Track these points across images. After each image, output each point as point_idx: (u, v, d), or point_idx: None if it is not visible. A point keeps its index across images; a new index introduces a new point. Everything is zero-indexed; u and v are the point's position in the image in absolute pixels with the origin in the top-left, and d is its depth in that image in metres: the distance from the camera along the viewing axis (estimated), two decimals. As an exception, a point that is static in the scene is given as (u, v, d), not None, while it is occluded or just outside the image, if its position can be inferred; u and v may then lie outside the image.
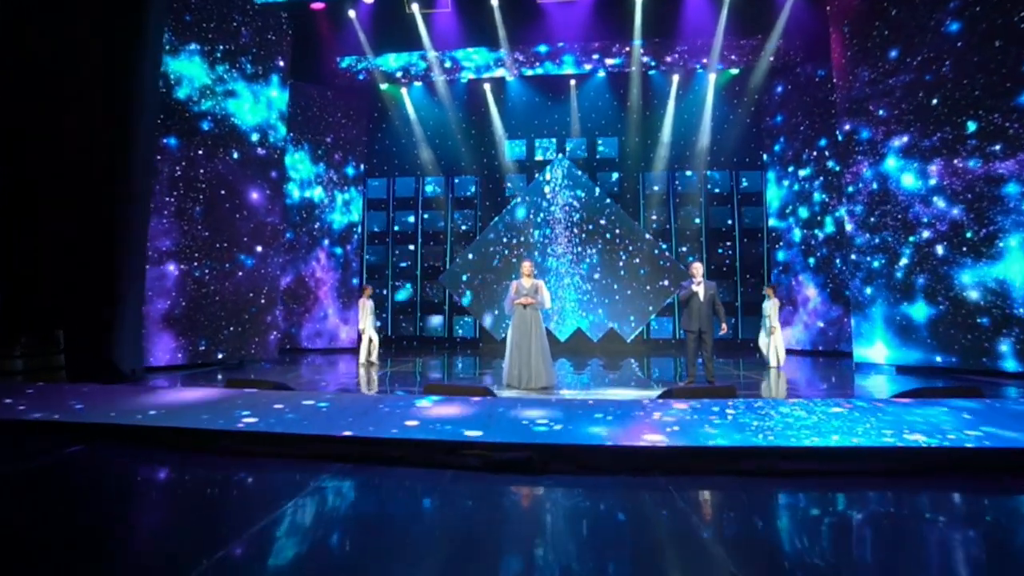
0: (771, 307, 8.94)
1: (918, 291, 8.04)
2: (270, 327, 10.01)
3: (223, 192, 9.05)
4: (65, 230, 6.85)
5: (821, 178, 11.22)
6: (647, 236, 13.06)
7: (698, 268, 6.59)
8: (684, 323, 6.58)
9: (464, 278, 13.43)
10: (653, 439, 3.05)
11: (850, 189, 9.03)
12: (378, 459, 3.12)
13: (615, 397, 5.84)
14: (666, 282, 12.86)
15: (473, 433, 3.21)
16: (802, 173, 11.65)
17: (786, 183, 12.08)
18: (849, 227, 9.08)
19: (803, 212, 11.66)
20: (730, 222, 13.19)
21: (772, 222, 12.53)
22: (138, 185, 7.44)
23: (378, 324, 10.07)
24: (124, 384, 6.18)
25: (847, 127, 9.03)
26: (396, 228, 13.98)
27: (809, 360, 10.60)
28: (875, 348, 8.59)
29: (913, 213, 8.16)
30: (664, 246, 13.10)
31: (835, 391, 6.78)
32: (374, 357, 9.80)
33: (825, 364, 9.89)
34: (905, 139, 8.26)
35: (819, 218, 11.26)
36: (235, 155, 9.25)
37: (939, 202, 7.85)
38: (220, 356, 9.05)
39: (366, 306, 9.73)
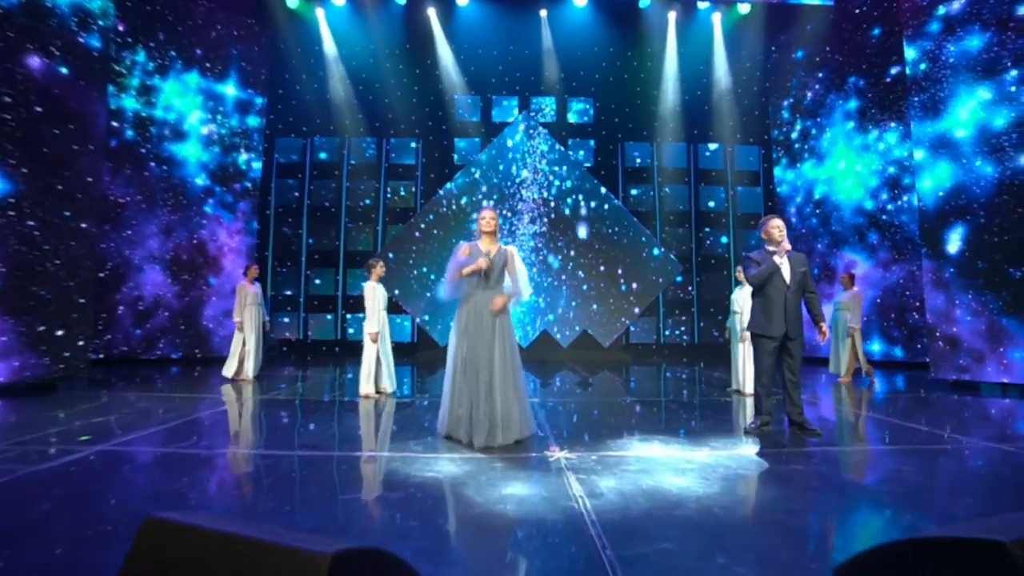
0: (743, 297, 5.78)
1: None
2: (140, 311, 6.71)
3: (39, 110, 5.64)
4: None
5: (873, 110, 8.74)
6: (631, 217, 10.47)
7: (779, 227, 3.76)
8: (756, 324, 3.78)
9: (395, 266, 10.38)
10: None
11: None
12: None
13: (666, 477, 3.05)
14: (656, 277, 10.32)
15: None
16: (841, 113, 9.20)
17: (809, 134, 9.63)
18: (920, 153, 6.55)
19: (837, 161, 9.23)
20: (727, 203, 10.93)
21: (779, 180, 10.09)
22: None
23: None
24: None
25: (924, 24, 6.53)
26: (309, 200, 10.75)
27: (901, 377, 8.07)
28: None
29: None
30: (647, 231, 10.57)
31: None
32: (385, 383, 5.77)
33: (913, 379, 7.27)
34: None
35: (864, 162, 8.89)
36: (62, 66, 5.85)
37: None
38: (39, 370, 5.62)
39: (376, 292, 5.58)
